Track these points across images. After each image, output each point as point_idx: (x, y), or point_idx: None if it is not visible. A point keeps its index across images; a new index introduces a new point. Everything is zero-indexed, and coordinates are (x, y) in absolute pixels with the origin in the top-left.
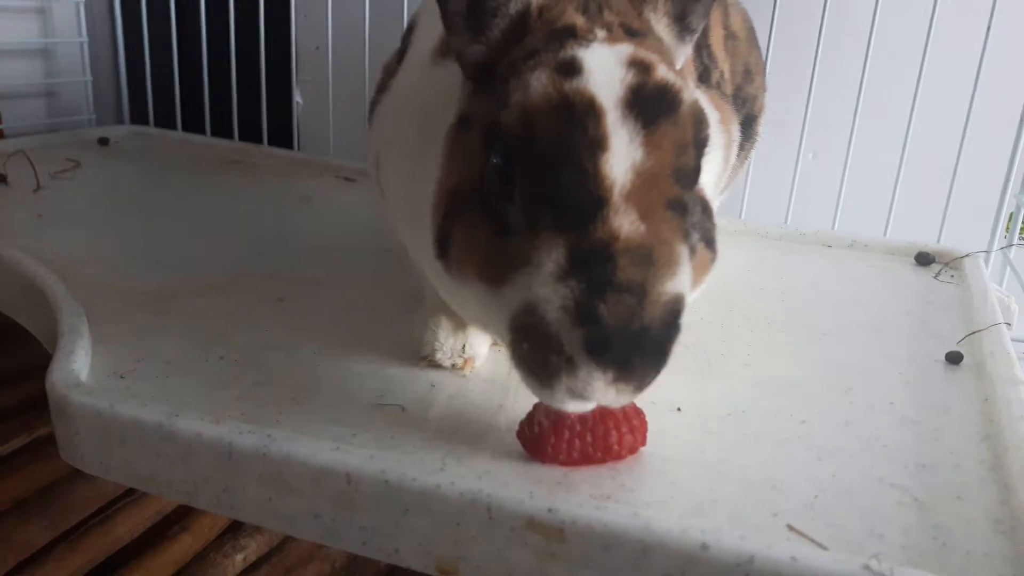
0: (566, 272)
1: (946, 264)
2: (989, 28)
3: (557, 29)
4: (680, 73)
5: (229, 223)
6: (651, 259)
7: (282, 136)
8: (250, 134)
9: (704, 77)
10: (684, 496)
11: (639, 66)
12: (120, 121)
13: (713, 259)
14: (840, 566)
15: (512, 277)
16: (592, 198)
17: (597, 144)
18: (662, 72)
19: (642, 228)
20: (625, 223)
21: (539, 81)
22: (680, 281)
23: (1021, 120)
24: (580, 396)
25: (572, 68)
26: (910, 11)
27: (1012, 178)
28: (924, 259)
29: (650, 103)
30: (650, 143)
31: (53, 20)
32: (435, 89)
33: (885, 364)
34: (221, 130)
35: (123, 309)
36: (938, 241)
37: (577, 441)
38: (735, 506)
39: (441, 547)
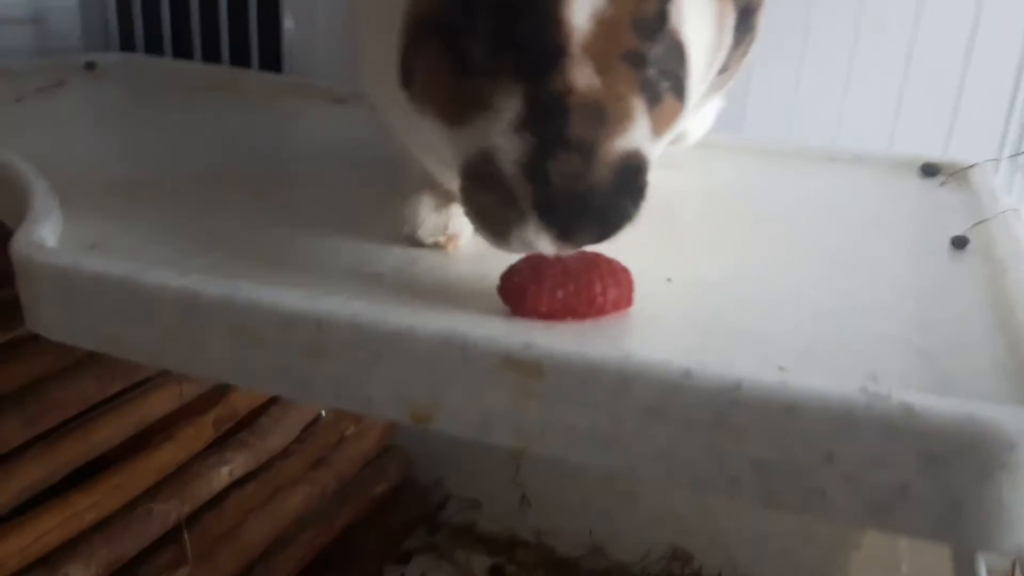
0: (522, 122)
1: (951, 174)
2: None
3: None
4: None
5: (210, 132)
6: (603, 116)
7: (271, 60)
8: (239, 58)
9: None
10: (670, 345)
11: None
12: (109, 47)
13: (681, 109)
14: (834, 389)
15: (471, 118)
16: (551, 45)
17: None
18: None
19: (597, 82)
20: (580, 76)
21: None
22: (632, 137)
23: None
24: (530, 248)
25: None
26: None
27: (1022, 88)
28: (930, 170)
29: None
30: None
31: None
32: None
33: (887, 249)
34: (210, 55)
35: (97, 196)
36: (944, 154)
37: (560, 291)
38: (723, 352)
39: (415, 393)
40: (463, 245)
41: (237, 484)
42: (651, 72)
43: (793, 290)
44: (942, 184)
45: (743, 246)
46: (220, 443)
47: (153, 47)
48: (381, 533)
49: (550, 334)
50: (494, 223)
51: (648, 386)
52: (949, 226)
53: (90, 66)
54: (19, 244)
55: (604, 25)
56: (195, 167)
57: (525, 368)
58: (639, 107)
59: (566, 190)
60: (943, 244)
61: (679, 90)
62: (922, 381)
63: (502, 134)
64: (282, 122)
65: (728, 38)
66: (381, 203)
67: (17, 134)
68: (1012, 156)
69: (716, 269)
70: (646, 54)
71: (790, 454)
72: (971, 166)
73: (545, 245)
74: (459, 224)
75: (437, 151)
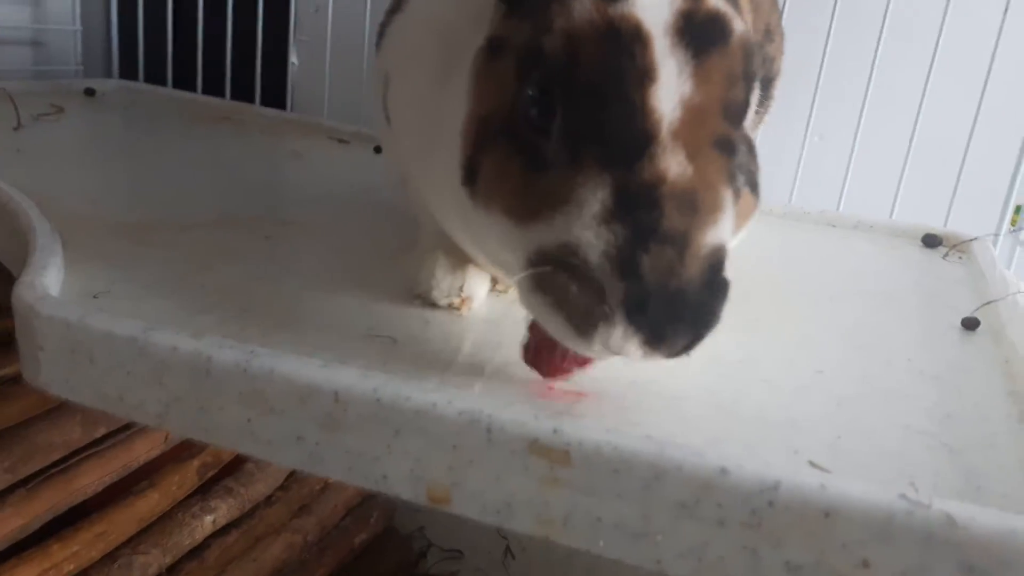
0: (610, 214)
1: (954, 246)
2: (1006, 10)
3: None
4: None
5: (215, 170)
6: (695, 205)
7: (275, 97)
8: (242, 94)
9: None
10: (696, 431)
11: None
12: (108, 75)
13: (756, 203)
14: (874, 495)
15: (548, 214)
16: (639, 133)
17: (646, 74)
18: (712, 0)
19: (689, 170)
20: (672, 163)
21: (583, 6)
22: (722, 229)
23: None
24: (613, 351)
25: None
26: None
27: (1022, 168)
28: (931, 241)
29: (700, 31)
30: (700, 74)
31: None
32: (459, 7)
33: (898, 326)
34: (213, 89)
35: (101, 238)
36: (945, 226)
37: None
38: (751, 442)
39: (434, 473)
40: (476, 307)
41: (220, 532)
42: (738, 161)
43: (814, 372)
44: (945, 256)
45: (759, 321)
46: (204, 490)
47: (154, 77)
48: None
49: (577, 418)
50: (578, 321)
51: (682, 481)
52: (957, 303)
53: (89, 92)
54: (22, 293)
55: (693, 111)
56: (200, 208)
57: (553, 454)
58: (729, 197)
59: (659, 289)
60: (954, 324)
61: (754, 185)
62: (954, 483)
63: (588, 227)
64: (286, 160)
65: (753, 112)
66: (390, 255)
67: (16, 165)
68: (1013, 231)
69: (735, 346)
70: (735, 141)
71: (825, 559)
72: (972, 239)
73: (631, 350)
74: (473, 286)
75: (490, 245)
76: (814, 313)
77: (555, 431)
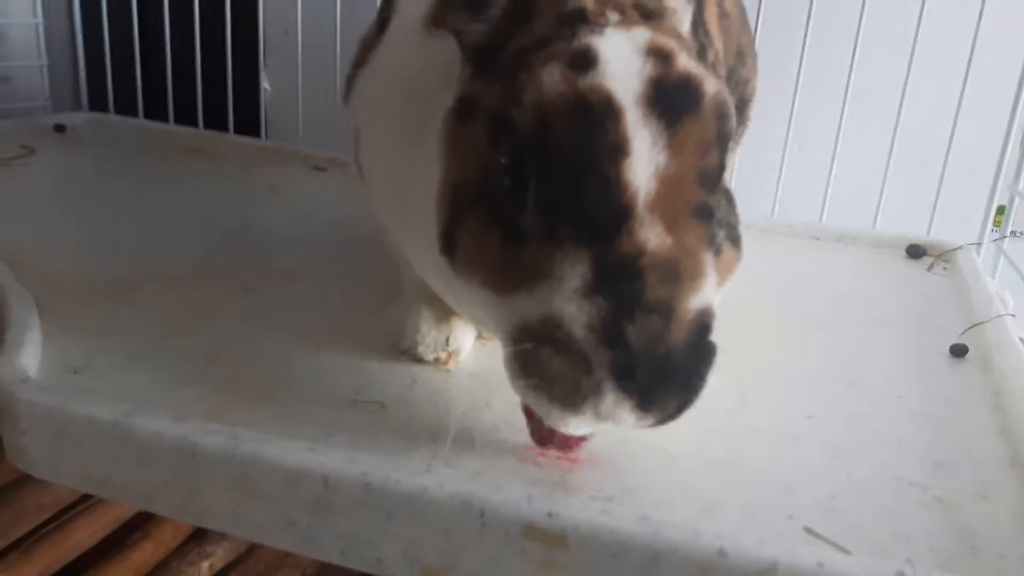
0: (592, 288)
1: (938, 257)
2: (980, 16)
3: (567, 12)
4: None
5: (192, 213)
6: (677, 274)
7: (249, 124)
8: (215, 122)
9: (700, 56)
10: (691, 497)
11: (658, 55)
12: (78, 108)
13: (739, 257)
14: (872, 573)
15: (528, 287)
16: (616, 209)
17: (619, 148)
18: (683, 62)
19: (668, 241)
20: (651, 236)
21: (552, 77)
22: (705, 294)
23: (1012, 112)
24: (604, 420)
25: (586, 60)
26: (899, 1)
27: (1003, 170)
28: (915, 251)
29: (672, 99)
30: (673, 145)
31: (6, 0)
32: (426, 64)
33: (887, 357)
34: (185, 118)
35: (77, 301)
36: (928, 234)
37: None
38: (747, 508)
39: (428, 555)
40: (463, 360)
41: None
42: (716, 220)
43: (804, 418)
44: (929, 268)
45: (747, 357)
46: (199, 536)
47: (125, 108)
48: None
49: (572, 492)
50: (565, 394)
51: (679, 563)
52: (944, 324)
53: (59, 128)
54: (1, 377)
55: (669, 183)
56: (179, 259)
57: (548, 538)
58: (709, 261)
59: (646, 354)
60: (942, 351)
61: (735, 239)
62: (950, 546)
63: (569, 301)
64: (264, 196)
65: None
66: (375, 303)
67: None
68: (996, 240)
69: (724, 390)
70: (713, 207)
71: None
72: (957, 248)
73: (623, 416)
74: (459, 338)
75: (475, 311)
76: (802, 345)
77: (549, 515)
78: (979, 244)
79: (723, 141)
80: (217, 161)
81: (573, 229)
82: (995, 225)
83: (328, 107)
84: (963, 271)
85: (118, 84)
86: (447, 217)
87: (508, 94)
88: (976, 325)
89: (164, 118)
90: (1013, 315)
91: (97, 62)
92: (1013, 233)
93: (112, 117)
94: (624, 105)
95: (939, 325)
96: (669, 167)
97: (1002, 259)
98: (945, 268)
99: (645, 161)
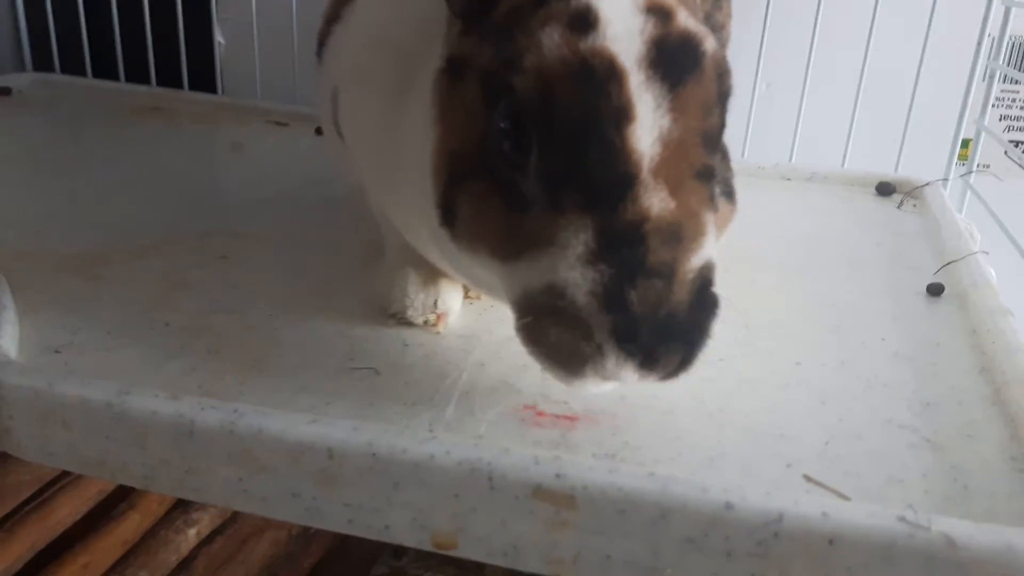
0: (595, 255)
1: (907, 194)
2: None
3: None
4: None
5: (155, 177)
6: (679, 236)
7: (203, 79)
8: (168, 78)
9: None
10: (691, 451)
11: (658, 13)
12: (21, 68)
13: (733, 210)
14: (874, 519)
15: (532, 254)
16: (621, 175)
17: (623, 114)
18: (682, 19)
19: (671, 205)
20: (655, 201)
21: (551, 40)
22: (706, 251)
23: (976, 47)
24: (609, 380)
25: (586, 21)
26: None
27: (968, 105)
28: (885, 189)
29: (674, 59)
30: (676, 108)
31: None
32: (408, 19)
33: (867, 299)
34: (136, 75)
35: (50, 277)
36: (896, 170)
37: None
38: (746, 458)
39: (438, 521)
40: (452, 321)
41: (205, 542)
42: (716, 180)
43: (793, 364)
44: (899, 206)
45: (732, 306)
46: (185, 503)
47: (71, 67)
48: (348, 566)
49: (575, 450)
50: (568, 359)
51: (687, 517)
52: (919, 262)
53: (4, 91)
54: None
55: (673, 146)
56: (147, 227)
57: (557, 499)
58: (711, 220)
59: (648, 316)
60: (919, 290)
61: (731, 194)
62: (943, 487)
63: (572, 268)
64: (227, 155)
65: None
66: (356, 266)
67: None
68: (963, 176)
69: (713, 341)
70: (715, 167)
71: None
72: (925, 184)
73: (628, 375)
74: (447, 299)
75: (479, 278)
76: (782, 291)
77: (558, 476)
78: (946, 180)
79: (723, 100)
80: (174, 120)
81: (577, 196)
82: (960, 160)
83: (285, 60)
84: (932, 207)
85: (63, 41)
86: (445, 187)
87: (506, 57)
88: (949, 263)
89: (114, 76)
90: (987, 252)
91: (39, 18)
92: (979, 167)
93: (59, 77)
94: (627, 68)
95: (913, 264)
96: (673, 130)
97: (968, 193)
98: (915, 205)
99: (649, 125)
